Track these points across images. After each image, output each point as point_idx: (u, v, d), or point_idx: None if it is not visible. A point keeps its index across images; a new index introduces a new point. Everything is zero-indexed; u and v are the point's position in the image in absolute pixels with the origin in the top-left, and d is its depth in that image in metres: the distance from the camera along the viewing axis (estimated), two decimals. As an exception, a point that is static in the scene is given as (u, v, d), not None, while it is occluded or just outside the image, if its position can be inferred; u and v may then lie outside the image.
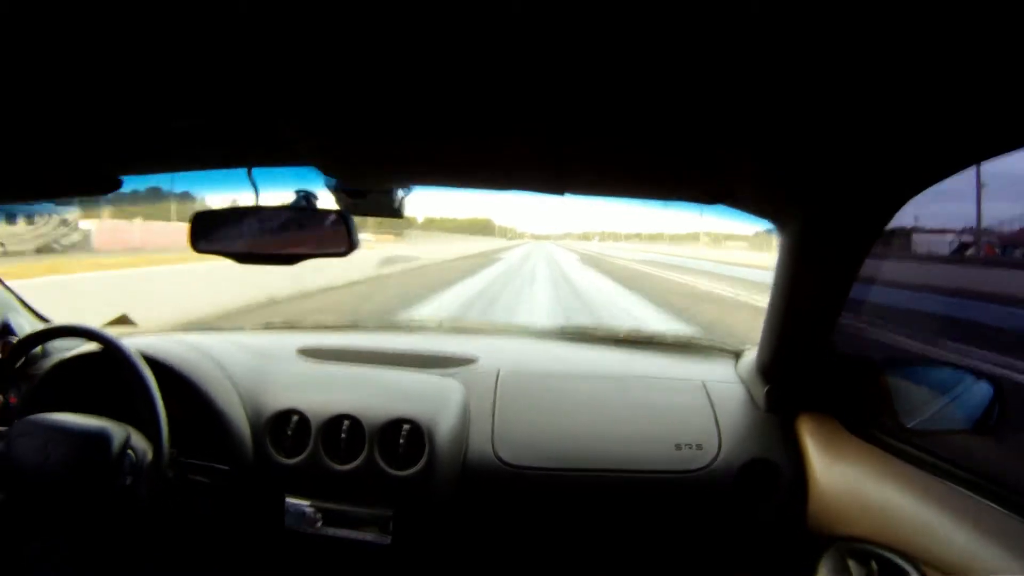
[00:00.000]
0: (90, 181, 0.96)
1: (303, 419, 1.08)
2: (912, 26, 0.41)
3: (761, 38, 0.44)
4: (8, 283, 1.33)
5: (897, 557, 0.79)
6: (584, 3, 0.41)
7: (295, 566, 1.12)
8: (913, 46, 0.44)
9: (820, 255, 0.87)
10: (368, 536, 1.04)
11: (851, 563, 0.84)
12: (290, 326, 1.53)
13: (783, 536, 1.02)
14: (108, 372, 1.05)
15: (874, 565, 0.81)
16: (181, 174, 0.99)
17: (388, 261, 15.23)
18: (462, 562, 1.15)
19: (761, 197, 0.86)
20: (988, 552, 0.68)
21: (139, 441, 0.94)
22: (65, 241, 12.61)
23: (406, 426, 1.05)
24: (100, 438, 0.90)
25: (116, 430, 0.92)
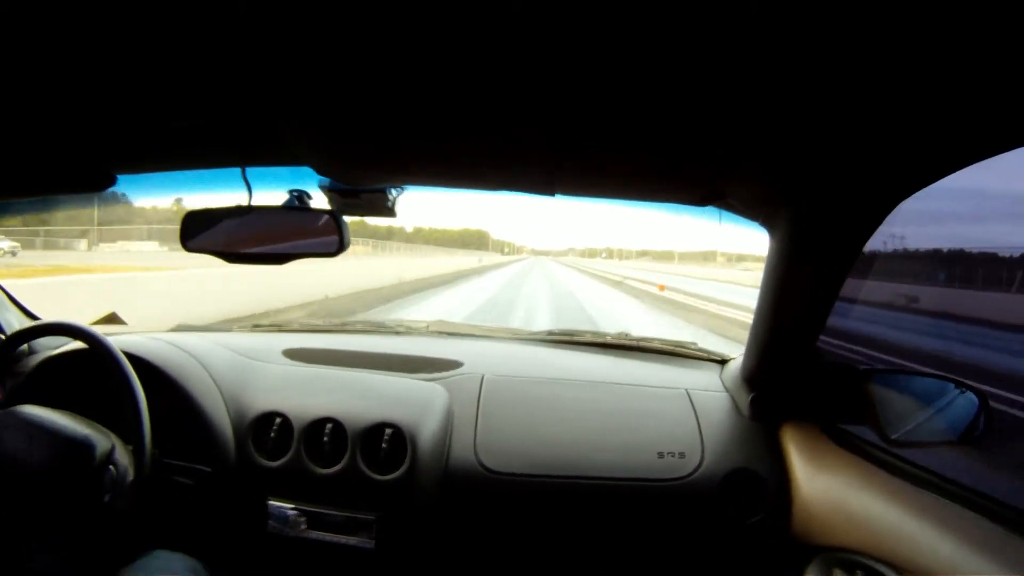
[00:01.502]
0: (86, 178, 0.97)
1: (286, 421, 1.07)
2: (905, 26, 0.42)
3: (756, 40, 0.45)
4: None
5: (883, 567, 0.79)
6: (580, 4, 0.42)
7: (279, 569, 1.10)
8: (907, 46, 0.44)
9: (808, 258, 0.88)
10: (352, 540, 1.03)
11: (837, 573, 0.83)
12: (277, 327, 1.53)
13: (768, 546, 1.01)
14: (94, 370, 1.04)
15: (860, 574, 0.81)
16: (177, 173, 1.00)
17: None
18: (446, 568, 1.13)
19: (752, 199, 0.87)
20: (973, 562, 0.68)
21: (122, 455, 0.92)
22: None
23: (388, 430, 1.04)
24: (83, 446, 0.88)
25: (100, 440, 0.90)
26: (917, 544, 0.75)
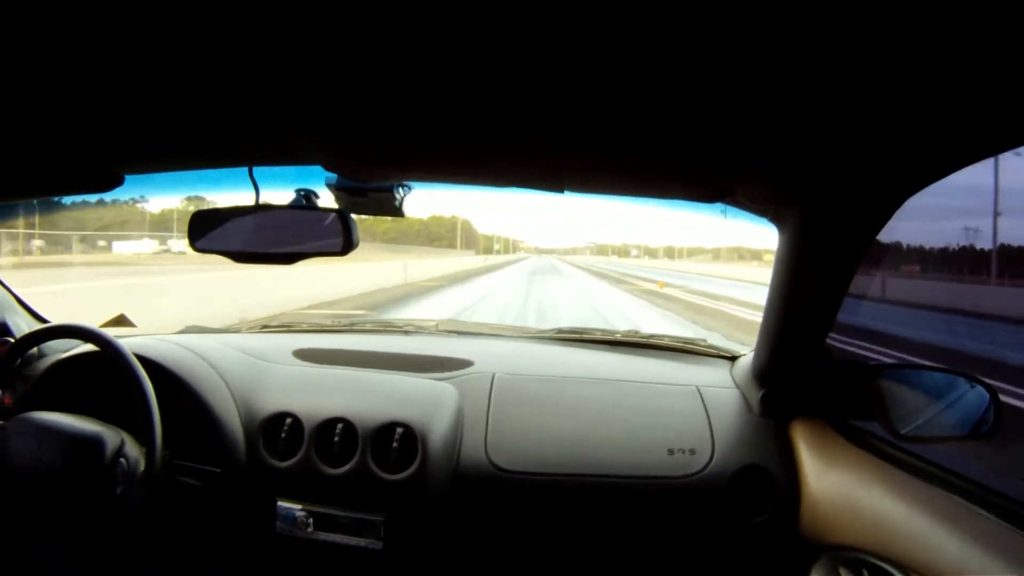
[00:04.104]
0: (92, 178, 0.98)
1: (296, 422, 1.07)
2: (911, 25, 0.42)
3: (761, 37, 0.44)
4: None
5: (889, 566, 0.78)
6: (585, 2, 0.42)
7: (287, 570, 1.10)
8: (912, 44, 0.44)
9: (817, 254, 0.87)
10: (360, 541, 1.03)
11: (843, 572, 0.83)
12: (286, 328, 1.53)
13: (776, 543, 1.00)
14: (104, 373, 1.05)
15: (866, 574, 0.80)
16: (184, 173, 1.01)
17: None
18: (454, 568, 1.13)
19: (760, 196, 0.86)
20: (980, 561, 0.67)
21: (132, 449, 0.94)
22: None
23: (399, 430, 1.04)
24: (93, 443, 0.89)
25: (110, 436, 0.91)
26: (925, 541, 0.75)
